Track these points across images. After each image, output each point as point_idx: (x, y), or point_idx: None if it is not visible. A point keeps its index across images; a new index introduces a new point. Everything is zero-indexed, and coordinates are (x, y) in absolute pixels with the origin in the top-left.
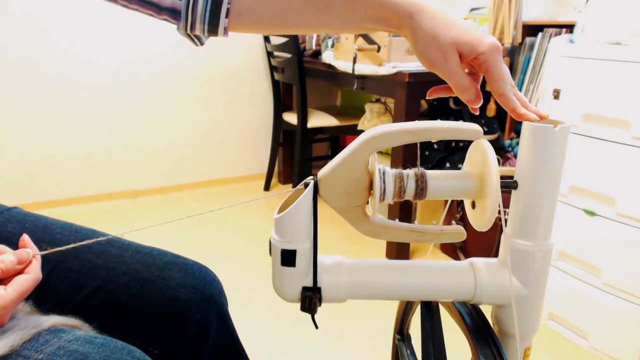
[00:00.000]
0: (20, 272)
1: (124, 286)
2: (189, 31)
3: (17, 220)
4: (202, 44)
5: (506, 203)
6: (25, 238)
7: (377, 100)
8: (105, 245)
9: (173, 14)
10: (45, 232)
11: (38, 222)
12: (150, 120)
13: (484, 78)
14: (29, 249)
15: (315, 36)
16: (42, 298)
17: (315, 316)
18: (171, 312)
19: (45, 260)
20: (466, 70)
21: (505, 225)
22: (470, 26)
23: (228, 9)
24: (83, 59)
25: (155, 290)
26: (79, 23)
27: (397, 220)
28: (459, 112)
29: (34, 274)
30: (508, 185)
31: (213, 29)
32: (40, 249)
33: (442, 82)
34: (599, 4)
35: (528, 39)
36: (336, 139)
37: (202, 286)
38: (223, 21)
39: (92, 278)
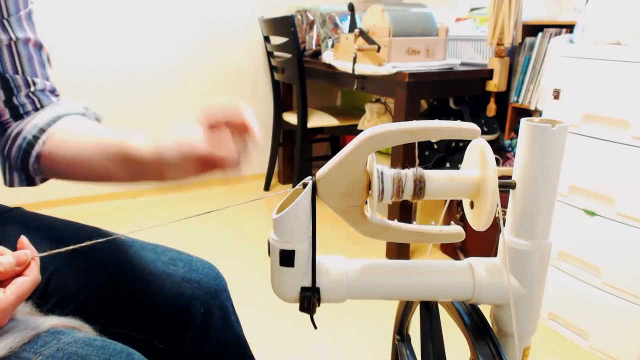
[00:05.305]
0: (19, 274)
1: (130, 282)
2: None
3: (20, 220)
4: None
5: (505, 203)
6: (24, 239)
7: (377, 100)
8: (110, 242)
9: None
10: (49, 231)
11: (41, 222)
12: (151, 121)
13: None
14: (28, 251)
15: (315, 36)
16: (47, 295)
17: (315, 316)
18: (176, 307)
19: (50, 258)
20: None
21: (504, 225)
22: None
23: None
24: (83, 61)
25: (160, 285)
26: (79, 26)
27: (395, 220)
28: (459, 112)
29: (32, 275)
30: (506, 185)
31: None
32: (46, 248)
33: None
34: (599, 4)
35: (528, 39)
36: (336, 139)
37: (206, 281)
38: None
39: (97, 274)
